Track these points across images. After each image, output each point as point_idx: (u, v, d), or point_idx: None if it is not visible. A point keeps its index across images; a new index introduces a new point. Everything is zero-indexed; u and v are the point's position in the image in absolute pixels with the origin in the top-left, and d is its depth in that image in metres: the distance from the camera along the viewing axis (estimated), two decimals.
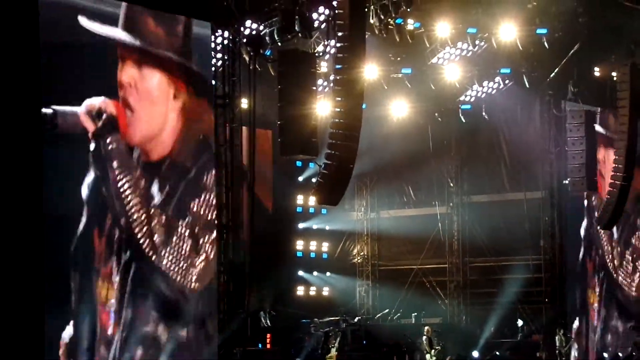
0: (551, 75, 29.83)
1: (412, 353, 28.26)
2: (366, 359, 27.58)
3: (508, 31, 27.52)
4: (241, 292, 24.39)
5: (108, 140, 20.60)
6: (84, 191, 20.07)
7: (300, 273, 33.12)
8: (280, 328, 28.27)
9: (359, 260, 35.48)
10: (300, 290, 32.92)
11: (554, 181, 31.02)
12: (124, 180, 20.87)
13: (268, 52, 24.90)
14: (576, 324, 30.61)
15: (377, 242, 35.59)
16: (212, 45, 23.73)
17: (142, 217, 21.27)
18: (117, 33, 20.87)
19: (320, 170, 21.98)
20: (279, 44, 24.11)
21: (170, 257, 21.84)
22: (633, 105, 28.77)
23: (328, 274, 33.97)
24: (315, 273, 33.50)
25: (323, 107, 25.37)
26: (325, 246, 34.06)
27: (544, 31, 27.73)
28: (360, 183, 34.99)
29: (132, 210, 21.02)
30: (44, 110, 19.33)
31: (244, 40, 24.36)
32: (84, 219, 20.03)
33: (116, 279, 20.67)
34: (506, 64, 29.64)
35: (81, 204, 20.01)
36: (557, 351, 29.68)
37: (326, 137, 21.85)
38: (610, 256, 32.22)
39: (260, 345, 26.60)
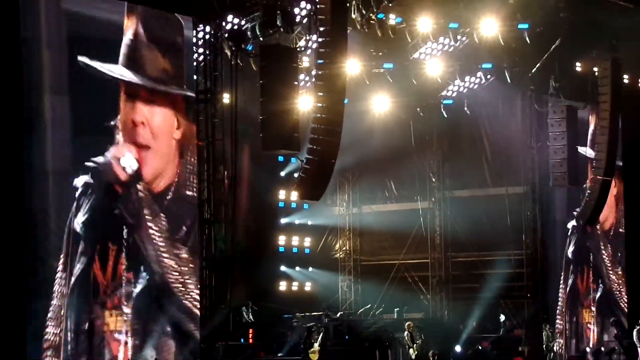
0: (533, 71, 29.84)
1: (394, 348, 28.28)
2: (348, 354, 27.54)
3: (489, 26, 27.50)
4: (223, 287, 24.38)
5: (137, 188, 21.03)
6: (79, 228, 20.05)
7: (283, 268, 33.09)
8: (262, 323, 28.23)
9: (341, 256, 35.46)
10: (282, 286, 32.90)
11: (535, 176, 31.03)
12: (153, 225, 21.32)
13: (250, 47, 24.84)
14: (559, 320, 30.75)
15: (359, 237, 35.59)
16: (194, 40, 23.69)
17: (172, 263, 21.75)
18: (120, 70, 20.98)
19: (302, 165, 21.99)
20: (261, 38, 24.09)
21: (195, 296, 22.15)
22: (614, 100, 28.90)
23: (310, 269, 33.96)
24: (297, 268, 33.48)
25: (305, 102, 25.32)
26: (307, 241, 34.06)
27: (525, 26, 27.71)
28: (342, 178, 34.96)
29: (164, 254, 21.51)
30: (86, 163, 19.78)
31: (226, 35, 24.34)
32: (81, 256, 20.07)
33: (128, 311, 20.78)
34: (488, 59, 29.66)
35: (76, 239, 20.04)
36: (544, 346, 29.74)
37: (308, 132, 21.85)
38: (616, 285, 32.57)
39: (242, 340, 26.58)
